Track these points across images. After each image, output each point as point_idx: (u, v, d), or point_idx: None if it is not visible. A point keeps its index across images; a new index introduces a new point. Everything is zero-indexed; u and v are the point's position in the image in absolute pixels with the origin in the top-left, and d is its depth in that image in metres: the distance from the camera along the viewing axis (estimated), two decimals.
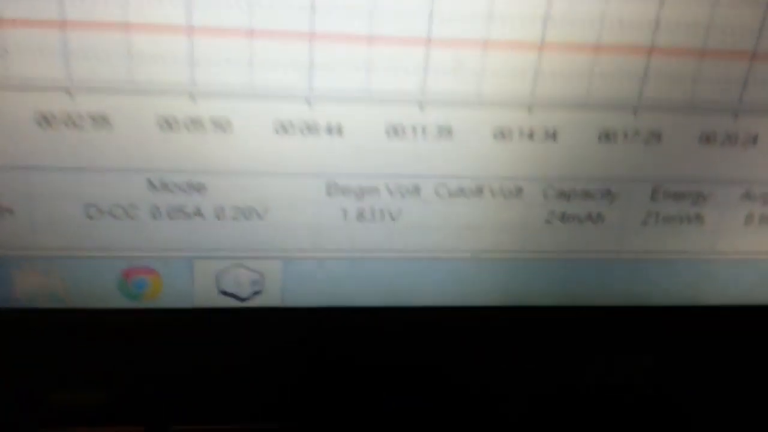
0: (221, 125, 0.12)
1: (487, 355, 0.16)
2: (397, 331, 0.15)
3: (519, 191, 0.14)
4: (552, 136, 0.13)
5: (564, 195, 0.14)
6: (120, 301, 0.14)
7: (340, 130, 0.13)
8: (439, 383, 0.16)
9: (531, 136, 0.13)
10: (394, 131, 0.13)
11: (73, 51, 0.11)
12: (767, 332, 0.16)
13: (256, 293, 0.14)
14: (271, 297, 0.15)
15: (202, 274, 0.14)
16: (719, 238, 0.15)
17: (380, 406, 0.16)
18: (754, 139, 0.14)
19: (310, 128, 0.13)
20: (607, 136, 0.14)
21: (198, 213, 0.13)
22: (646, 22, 0.12)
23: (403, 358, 0.15)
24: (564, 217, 0.14)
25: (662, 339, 0.16)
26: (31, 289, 0.14)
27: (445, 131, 0.13)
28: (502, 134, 0.13)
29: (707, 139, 0.14)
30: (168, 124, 0.12)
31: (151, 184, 0.13)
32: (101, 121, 0.12)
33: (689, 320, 0.16)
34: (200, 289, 0.14)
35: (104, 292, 0.14)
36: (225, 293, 0.14)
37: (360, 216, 0.14)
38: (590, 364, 0.16)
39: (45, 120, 0.12)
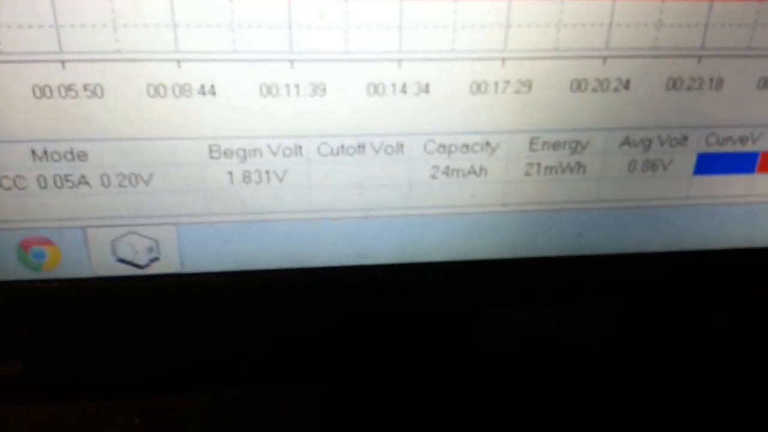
0: (93, 90, 0.12)
1: (387, 316, 0.15)
2: (296, 292, 0.15)
3: (400, 147, 0.14)
4: (425, 88, 0.13)
5: (444, 149, 0.14)
6: (22, 273, 0.14)
7: (213, 91, 0.13)
8: (341, 346, 0.15)
9: (404, 90, 0.13)
10: (268, 90, 0.13)
11: None
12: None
13: (154, 260, 0.14)
14: (170, 263, 0.14)
15: (96, 242, 0.13)
16: (602, 186, 0.14)
17: (283, 367, 0.15)
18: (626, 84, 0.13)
19: (183, 90, 0.12)
20: (478, 87, 0.13)
21: (84, 181, 0.13)
22: None
23: (305, 317, 0.15)
24: (448, 171, 0.14)
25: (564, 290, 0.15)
26: None
27: (320, 88, 0.13)
28: (375, 90, 0.13)
29: (579, 86, 0.13)
30: (41, 91, 0.12)
31: (34, 154, 0.13)
32: None
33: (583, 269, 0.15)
34: (97, 258, 0.14)
35: (5, 264, 0.14)
36: (122, 261, 0.14)
37: (246, 178, 0.13)
38: (486, 319, 0.15)
39: None
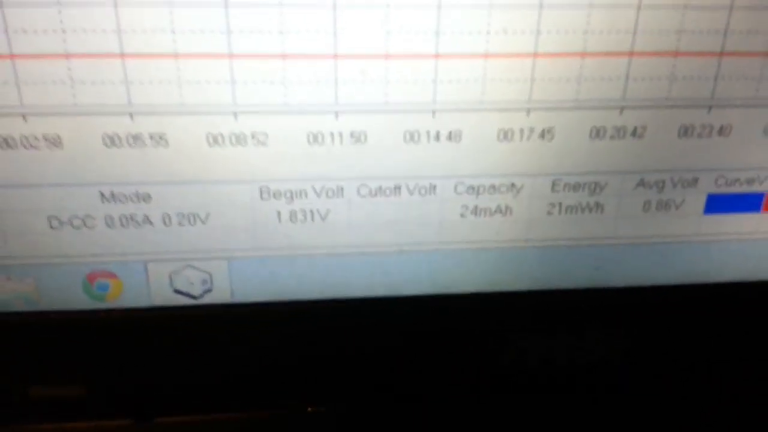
0: (158, 140, 0.13)
1: (418, 342, 0.16)
2: (336, 320, 0.16)
3: (433, 188, 0.15)
4: (457, 136, 0.14)
5: (473, 190, 0.15)
6: (87, 303, 0.15)
7: (265, 140, 0.14)
8: (377, 369, 0.16)
9: (437, 137, 0.14)
10: (314, 138, 0.14)
11: (23, 80, 0.12)
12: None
13: (207, 291, 0.15)
14: (222, 294, 0.15)
15: (156, 275, 0.15)
16: (619, 224, 0.15)
17: (326, 390, 0.16)
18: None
19: (239, 139, 0.14)
20: (505, 135, 0.14)
21: (147, 220, 0.14)
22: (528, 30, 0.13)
23: (343, 342, 0.16)
24: (476, 211, 0.15)
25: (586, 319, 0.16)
26: (6, 294, 0.14)
27: (361, 136, 0.14)
28: (411, 137, 0.14)
29: (597, 134, 0.14)
30: (111, 140, 0.13)
31: (102, 196, 0.14)
32: (54, 140, 0.13)
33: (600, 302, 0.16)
34: (156, 289, 0.15)
35: (72, 295, 0.15)
36: (179, 292, 0.15)
37: (293, 217, 0.15)
38: (502, 344, 0.16)
39: (5, 142, 0.13)
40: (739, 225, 0.15)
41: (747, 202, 0.15)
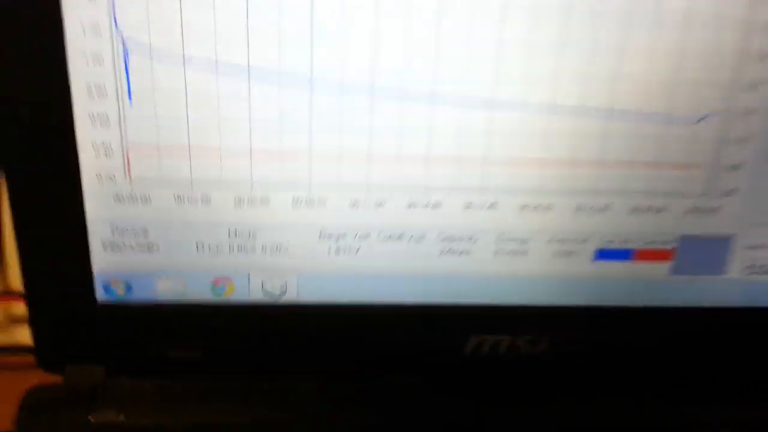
0: (265, 202, 0.22)
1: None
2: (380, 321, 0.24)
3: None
4: (438, 205, 0.23)
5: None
6: (211, 297, 0.24)
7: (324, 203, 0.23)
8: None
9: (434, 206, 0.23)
10: (355, 203, 0.23)
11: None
12: None
13: (283, 293, 0.24)
14: (293, 296, 0.24)
15: (256, 282, 0.23)
16: None
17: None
18: None
19: (313, 203, 0.23)
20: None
21: (252, 250, 0.23)
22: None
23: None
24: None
25: None
26: (167, 288, 0.23)
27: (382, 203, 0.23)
28: (412, 205, 0.23)
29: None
30: (240, 203, 0.22)
31: (229, 234, 0.23)
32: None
33: None
34: (254, 290, 0.24)
35: (202, 292, 0.24)
36: (267, 292, 0.24)
37: (337, 251, 0.23)
38: None
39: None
40: (621, 268, 0.24)
41: (620, 254, 0.23)
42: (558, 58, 0.20)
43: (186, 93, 0.20)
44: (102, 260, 0.22)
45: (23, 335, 0.29)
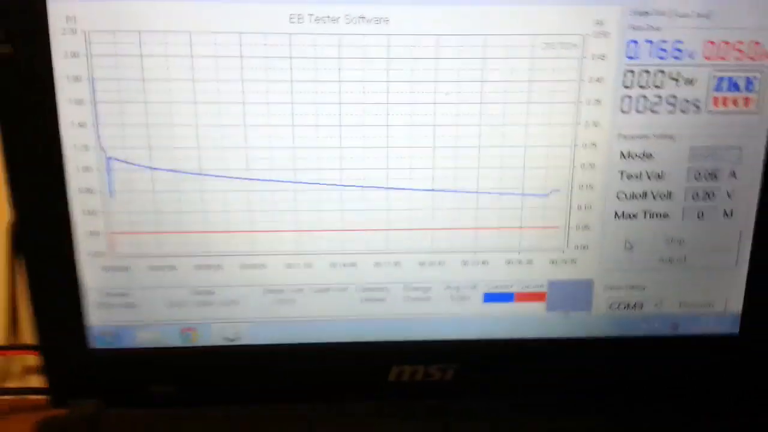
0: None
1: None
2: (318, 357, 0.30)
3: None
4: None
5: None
6: (180, 342, 0.30)
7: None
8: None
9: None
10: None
11: None
12: None
13: (238, 338, 0.30)
14: (246, 340, 0.30)
15: (215, 331, 0.30)
16: None
17: None
18: None
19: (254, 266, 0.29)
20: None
21: (212, 305, 0.29)
22: None
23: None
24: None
25: None
26: (146, 337, 0.30)
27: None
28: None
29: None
30: (197, 268, 0.29)
31: (196, 293, 0.29)
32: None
33: None
34: (215, 336, 0.30)
35: (172, 339, 0.30)
36: (226, 338, 0.30)
37: (279, 301, 0.29)
38: None
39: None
40: (506, 308, 0.30)
41: (504, 297, 0.29)
42: (433, 157, 0.27)
43: (153, 191, 0.27)
44: (94, 317, 0.29)
45: (34, 381, 0.35)
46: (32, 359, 0.36)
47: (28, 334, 0.35)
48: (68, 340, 0.29)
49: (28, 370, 0.37)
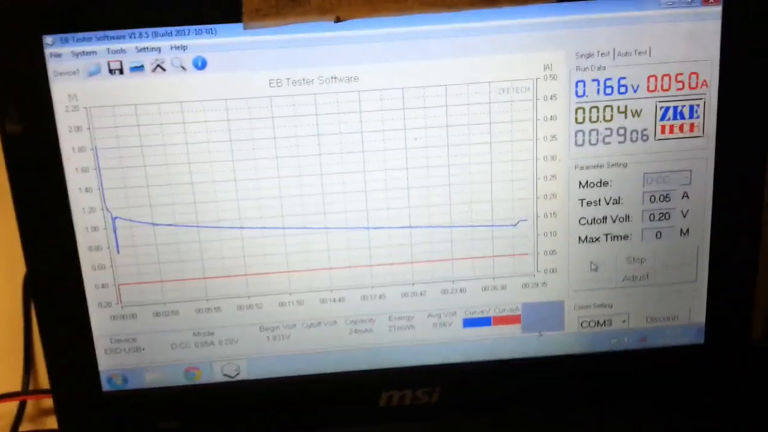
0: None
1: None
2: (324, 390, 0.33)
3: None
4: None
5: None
6: (184, 381, 0.32)
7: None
8: None
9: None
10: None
11: None
12: None
13: (238, 374, 0.32)
14: (247, 375, 0.32)
15: (214, 369, 0.32)
16: None
17: None
18: None
19: (250, 306, 0.31)
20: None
21: (212, 345, 0.32)
22: None
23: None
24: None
25: None
26: (152, 378, 0.32)
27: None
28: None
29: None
30: (198, 311, 0.31)
31: (195, 335, 0.32)
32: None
33: None
34: (216, 374, 0.32)
35: (176, 378, 0.32)
36: (226, 375, 0.32)
37: (274, 338, 0.32)
38: None
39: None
40: (485, 331, 0.32)
41: (482, 321, 0.32)
42: (408, 197, 0.30)
43: (156, 244, 0.29)
44: (104, 361, 0.31)
45: (51, 422, 0.37)
46: (46, 403, 0.38)
47: (42, 378, 0.38)
48: (80, 384, 0.32)
49: (42, 413, 0.39)
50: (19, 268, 0.33)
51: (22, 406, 0.38)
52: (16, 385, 0.37)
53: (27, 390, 0.37)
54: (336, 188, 0.30)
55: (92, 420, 0.32)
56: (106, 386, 0.31)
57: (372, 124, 0.29)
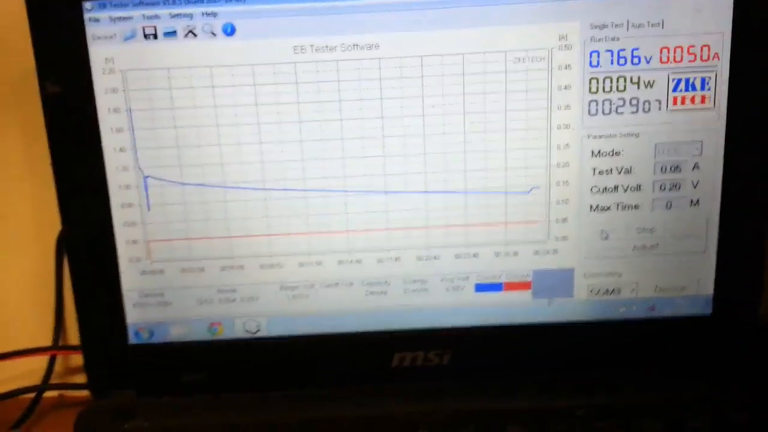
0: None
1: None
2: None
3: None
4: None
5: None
6: (208, 336, 0.34)
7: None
8: None
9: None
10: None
11: None
12: None
13: (258, 331, 0.34)
14: (265, 334, 0.34)
15: (238, 324, 0.34)
16: None
17: None
18: None
19: (271, 266, 0.33)
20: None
21: (235, 302, 0.33)
22: None
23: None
24: None
25: None
26: (178, 332, 0.34)
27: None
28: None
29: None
30: (222, 269, 0.33)
31: (219, 292, 0.33)
32: None
33: None
34: (238, 330, 0.34)
35: (201, 333, 0.34)
36: (248, 331, 0.34)
37: (293, 298, 0.34)
38: None
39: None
40: (496, 297, 0.33)
41: (494, 287, 0.33)
42: (425, 163, 0.31)
43: (184, 203, 0.31)
44: (133, 315, 0.33)
45: (78, 378, 0.40)
46: (75, 360, 0.40)
47: (72, 336, 0.40)
48: (109, 337, 0.33)
49: (71, 370, 0.41)
50: (53, 229, 0.35)
51: (51, 362, 0.40)
52: (47, 341, 0.39)
53: (57, 345, 0.39)
54: (356, 153, 0.31)
55: (119, 372, 0.34)
56: (133, 339, 0.33)
57: (391, 91, 0.30)
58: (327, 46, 0.30)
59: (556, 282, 0.33)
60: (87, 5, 0.29)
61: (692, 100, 0.31)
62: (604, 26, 0.30)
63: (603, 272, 0.33)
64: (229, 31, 0.29)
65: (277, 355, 0.34)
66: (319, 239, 0.32)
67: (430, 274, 0.33)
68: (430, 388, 0.34)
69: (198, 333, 0.33)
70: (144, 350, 0.33)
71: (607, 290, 0.33)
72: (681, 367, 0.34)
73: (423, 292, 0.33)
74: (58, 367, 0.41)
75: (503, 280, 0.33)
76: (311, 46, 0.30)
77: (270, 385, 0.34)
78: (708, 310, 0.34)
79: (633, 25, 0.30)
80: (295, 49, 0.30)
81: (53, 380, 0.40)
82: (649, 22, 0.30)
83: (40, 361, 0.40)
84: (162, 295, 0.33)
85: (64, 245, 0.33)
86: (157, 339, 0.33)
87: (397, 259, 0.33)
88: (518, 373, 0.34)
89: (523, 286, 0.33)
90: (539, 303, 0.34)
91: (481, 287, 0.33)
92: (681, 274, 0.33)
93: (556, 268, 0.33)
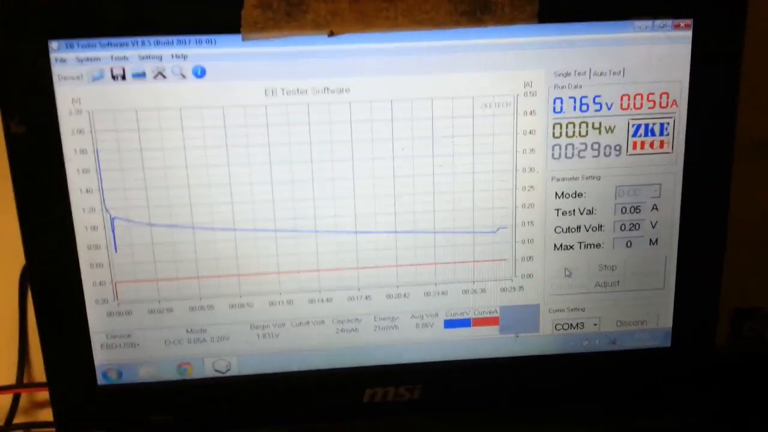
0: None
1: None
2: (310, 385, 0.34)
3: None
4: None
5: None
6: (176, 376, 0.33)
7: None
8: None
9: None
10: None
11: None
12: None
13: (228, 370, 0.33)
14: (236, 371, 0.33)
15: (208, 365, 0.33)
16: None
17: None
18: None
19: (241, 306, 0.32)
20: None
21: (205, 341, 0.33)
22: None
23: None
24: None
25: None
26: (146, 373, 0.33)
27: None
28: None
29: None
30: (191, 309, 0.32)
31: (188, 332, 0.33)
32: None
33: None
34: (207, 369, 0.33)
35: (169, 373, 0.33)
36: (217, 371, 0.33)
37: (264, 336, 0.33)
38: None
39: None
40: (465, 332, 0.33)
41: (463, 323, 0.33)
42: (394, 203, 0.31)
43: (152, 243, 0.30)
44: (100, 356, 0.32)
45: (44, 415, 0.38)
46: (40, 396, 0.39)
47: (36, 371, 0.38)
48: (76, 377, 0.32)
49: (36, 406, 0.40)
50: (16, 263, 0.34)
51: (16, 399, 0.38)
52: (10, 379, 0.38)
53: (21, 383, 0.38)
54: (326, 194, 0.31)
55: (87, 413, 0.33)
56: (101, 380, 0.32)
57: (361, 134, 0.30)
58: (298, 89, 0.30)
59: (523, 317, 0.34)
60: (53, 45, 0.28)
61: (651, 144, 0.32)
62: (567, 74, 0.30)
63: (567, 308, 0.34)
64: (200, 73, 0.29)
65: (248, 394, 0.33)
66: (290, 278, 0.32)
67: (400, 312, 0.33)
68: (401, 423, 0.34)
69: (167, 373, 0.33)
70: (113, 391, 0.33)
71: (571, 325, 0.34)
72: (642, 397, 0.35)
73: (393, 329, 0.33)
74: (24, 402, 0.39)
75: (471, 316, 0.33)
76: (282, 89, 0.29)
77: (241, 423, 0.33)
78: (667, 342, 0.34)
79: (595, 73, 0.31)
80: (266, 92, 0.29)
81: (19, 416, 0.39)
82: (610, 71, 0.31)
83: (5, 399, 0.38)
84: (130, 336, 0.32)
85: (29, 284, 0.32)
86: (126, 380, 0.32)
87: (367, 297, 0.33)
88: (487, 406, 0.34)
89: (491, 321, 0.33)
90: (506, 338, 0.34)
91: (450, 323, 0.33)
92: (641, 309, 0.34)
93: (522, 304, 0.33)
